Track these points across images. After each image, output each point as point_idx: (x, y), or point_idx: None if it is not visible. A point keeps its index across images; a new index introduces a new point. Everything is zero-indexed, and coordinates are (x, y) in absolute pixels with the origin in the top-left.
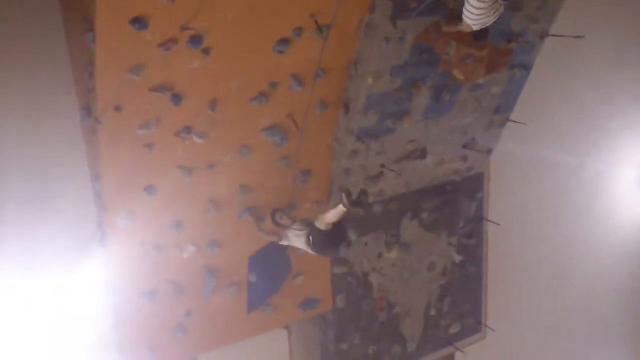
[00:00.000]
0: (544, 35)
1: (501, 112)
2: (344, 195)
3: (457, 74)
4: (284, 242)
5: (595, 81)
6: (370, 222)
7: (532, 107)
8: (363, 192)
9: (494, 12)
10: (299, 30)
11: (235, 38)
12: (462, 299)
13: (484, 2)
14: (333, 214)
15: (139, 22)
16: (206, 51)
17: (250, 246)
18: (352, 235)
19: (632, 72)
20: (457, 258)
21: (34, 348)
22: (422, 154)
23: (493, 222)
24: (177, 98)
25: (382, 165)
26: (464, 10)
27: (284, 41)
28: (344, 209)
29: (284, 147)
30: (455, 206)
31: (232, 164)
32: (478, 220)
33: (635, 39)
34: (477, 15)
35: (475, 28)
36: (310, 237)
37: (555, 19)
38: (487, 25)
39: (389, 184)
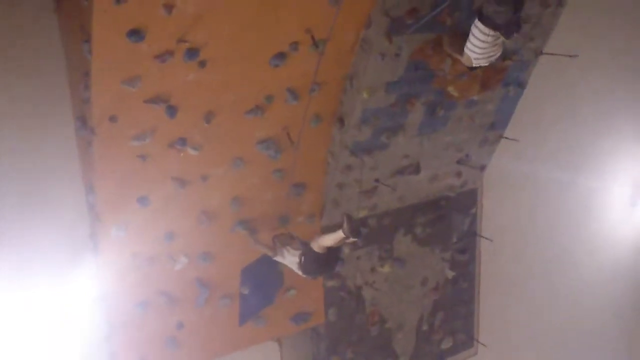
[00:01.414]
0: (538, 53)
1: (495, 128)
2: (345, 220)
3: (452, 90)
4: (277, 259)
5: (589, 99)
6: (363, 236)
7: (526, 124)
8: (362, 222)
9: (496, 51)
10: (295, 45)
11: (232, 51)
12: (454, 315)
13: (488, 35)
14: (331, 239)
15: (135, 34)
16: (202, 64)
17: (243, 259)
18: (345, 250)
19: (625, 90)
20: (450, 273)
21: (25, 359)
22: (416, 169)
23: (486, 238)
24: (172, 110)
25: (376, 180)
26: (468, 43)
27: (280, 55)
28: (343, 236)
29: (279, 160)
30: (449, 222)
31: (226, 177)
32: (471, 236)
33: (628, 57)
34: (480, 49)
35: (474, 64)
36: (302, 258)
37: (549, 37)
38: (488, 63)
39: (383, 199)
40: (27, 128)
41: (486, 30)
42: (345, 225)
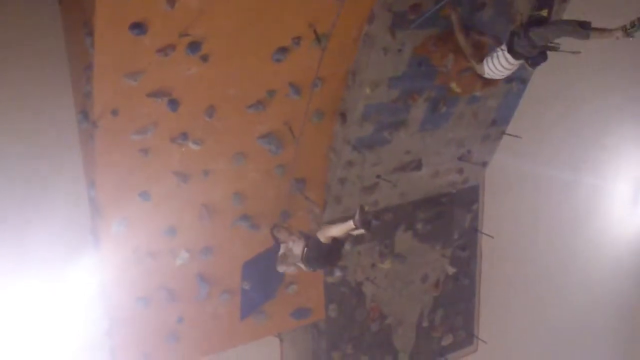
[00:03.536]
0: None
1: (497, 125)
2: (358, 211)
3: (455, 86)
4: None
5: (592, 96)
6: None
7: (528, 121)
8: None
9: (511, 72)
10: (297, 40)
11: (234, 45)
12: (454, 311)
13: (511, 64)
14: (339, 229)
15: (138, 27)
16: (204, 58)
17: (244, 253)
18: (346, 245)
19: (628, 88)
20: (451, 270)
21: (26, 354)
22: (418, 165)
23: (487, 235)
24: (174, 104)
25: (378, 176)
26: (489, 59)
27: (283, 50)
28: (353, 226)
29: (280, 155)
30: (450, 218)
31: (228, 171)
32: (472, 232)
33: (631, 54)
34: (500, 72)
35: (486, 75)
36: (306, 249)
37: None
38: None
39: (384, 195)
40: (29, 121)
41: (512, 60)
42: (357, 216)
